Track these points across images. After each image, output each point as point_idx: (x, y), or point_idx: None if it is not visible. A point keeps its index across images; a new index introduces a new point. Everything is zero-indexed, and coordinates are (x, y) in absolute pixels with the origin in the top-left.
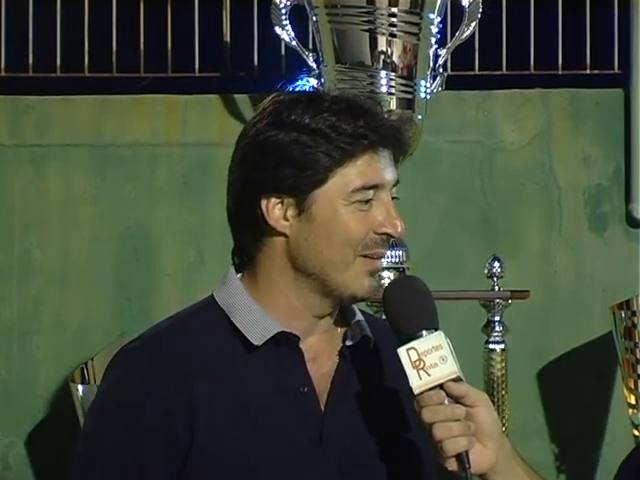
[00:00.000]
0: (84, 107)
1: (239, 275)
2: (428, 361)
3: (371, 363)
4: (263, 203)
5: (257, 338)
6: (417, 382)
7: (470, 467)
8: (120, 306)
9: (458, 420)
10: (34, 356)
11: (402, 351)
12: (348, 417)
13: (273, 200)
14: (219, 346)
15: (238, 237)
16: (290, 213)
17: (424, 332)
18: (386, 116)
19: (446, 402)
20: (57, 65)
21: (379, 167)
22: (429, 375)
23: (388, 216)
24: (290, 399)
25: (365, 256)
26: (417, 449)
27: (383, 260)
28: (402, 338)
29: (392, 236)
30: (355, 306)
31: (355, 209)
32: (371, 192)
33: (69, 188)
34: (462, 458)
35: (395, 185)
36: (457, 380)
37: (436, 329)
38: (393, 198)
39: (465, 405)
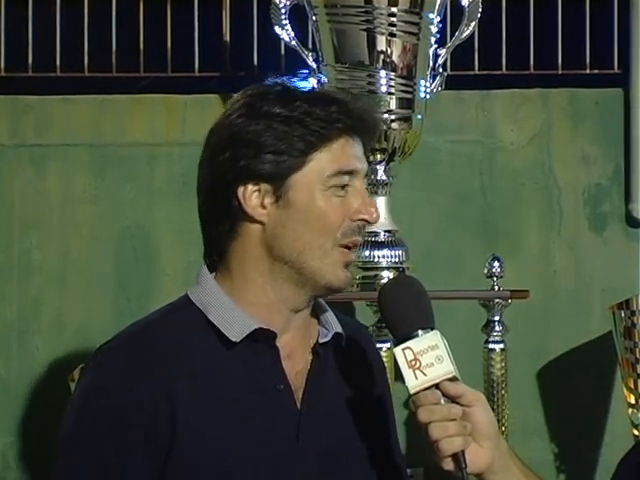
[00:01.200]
0: (84, 107)
1: (212, 274)
2: (424, 361)
3: (344, 360)
4: (240, 192)
5: (235, 335)
6: (413, 382)
7: (466, 467)
8: (120, 306)
9: (454, 420)
10: (34, 356)
11: (398, 351)
12: (324, 414)
13: (250, 188)
14: (197, 344)
15: (211, 234)
16: (267, 200)
17: (420, 332)
18: (355, 104)
19: (442, 402)
20: (57, 65)
21: (353, 153)
22: (425, 375)
23: (363, 203)
24: (267, 397)
25: (344, 246)
26: (390, 445)
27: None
28: (398, 338)
29: (368, 222)
30: (326, 304)
31: (332, 195)
32: (347, 177)
33: (69, 188)
34: (458, 458)
35: (365, 176)
36: (453, 380)
37: (432, 328)
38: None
39: (461, 405)
